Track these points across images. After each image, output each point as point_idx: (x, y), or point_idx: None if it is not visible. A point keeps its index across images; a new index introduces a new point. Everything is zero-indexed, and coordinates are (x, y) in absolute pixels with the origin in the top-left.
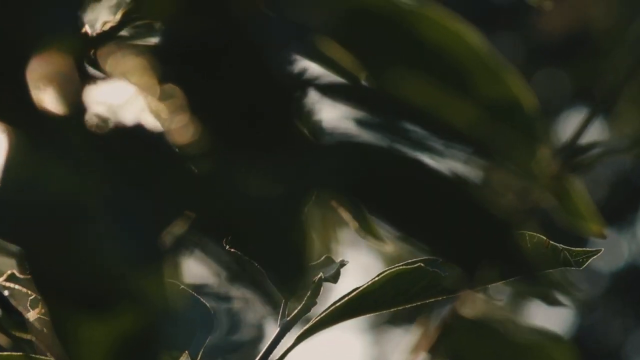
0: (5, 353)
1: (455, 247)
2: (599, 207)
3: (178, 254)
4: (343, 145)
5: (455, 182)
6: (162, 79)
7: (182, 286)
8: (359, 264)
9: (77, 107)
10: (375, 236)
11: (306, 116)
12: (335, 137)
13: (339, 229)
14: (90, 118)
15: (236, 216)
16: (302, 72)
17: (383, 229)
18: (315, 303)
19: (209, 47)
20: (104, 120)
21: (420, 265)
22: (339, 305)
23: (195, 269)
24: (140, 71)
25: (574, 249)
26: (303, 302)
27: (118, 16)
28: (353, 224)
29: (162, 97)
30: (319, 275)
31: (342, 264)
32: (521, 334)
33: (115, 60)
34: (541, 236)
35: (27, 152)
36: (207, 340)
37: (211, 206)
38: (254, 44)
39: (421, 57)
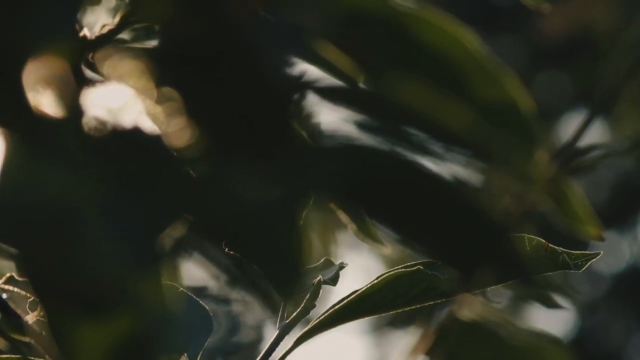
0: (4, 356)
1: (452, 250)
2: (600, 209)
3: (176, 256)
4: (341, 148)
5: (453, 185)
6: (160, 82)
7: (181, 289)
8: (359, 266)
9: (74, 110)
10: (374, 239)
11: (304, 119)
12: (333, 140)
13: (339, 232)
14: (87, 121)
15: (233, 219)
16: (300, 75)
17: (381, 231)
18: (314, 305)
19: (207, 50)
20: (101, 123)
21: (419, 268)
22: (338, 308)
23: (194, 272)
24: (137, 74)
25: (573, 252)
26: (302, 305)
27: (116, 19)
28: (351, 226)
29: (160, 100)
30: (318, 278)
31: (341, 266)
32: (519, 337)
33: (113, 63)
34: (540, 239)
35: (24, 155)
36: (206, 343)
37: (208, 209)
38: (251, 47)
39: (419, 60)
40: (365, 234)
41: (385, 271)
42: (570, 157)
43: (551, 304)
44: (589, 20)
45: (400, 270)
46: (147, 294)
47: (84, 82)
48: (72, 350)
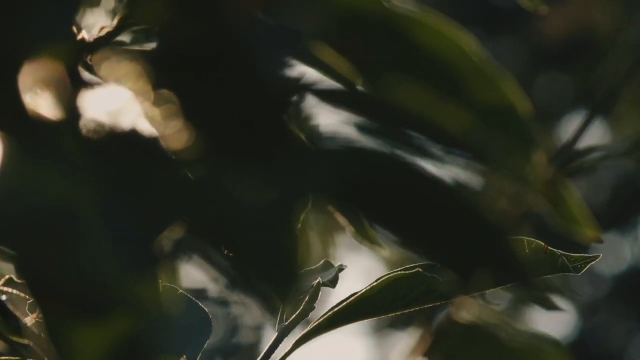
0: (3, 358)
1: (450, 252)
2: (601, 211)
3: (175, 259)
4: (339, 150)
5: (451, 187)
6: (158, 84)
7: (181, 291)
8: (361, 268)
9: (71, 113)
10: (372, 241)
11: (303, 121)
12: (331, 143)
13: (340, 233)
14: (85, 123)
15: (230, 221)
16: (299, 78)
17: (380, 233)
18: (313, 308)
19: (205, 52)
20: (99, 125)
21: (418, 271)
22: (337, 311)
23: (194, 274)
24: (135, 76)
25: (573, 254)
26: (301, 307)
27: (113, 22)
28: (350, 229)
29: (158, 103)
30: (318, 280)
31: (341, 268)
32: (517, 339)
33: (111, 65)
34: (540, 242)
35: (21, 158)
36: (205, 345)
37: (205, 212)
38: (249, 49)
39: (417, 63)
40: (364, 236)
41: (385, 274)
42: (569, 159)
43: (550, 306)
44: (589, 21)
45: (399, 272)
46: (144, 297)
47: (82, 85)
48: (70, 353)
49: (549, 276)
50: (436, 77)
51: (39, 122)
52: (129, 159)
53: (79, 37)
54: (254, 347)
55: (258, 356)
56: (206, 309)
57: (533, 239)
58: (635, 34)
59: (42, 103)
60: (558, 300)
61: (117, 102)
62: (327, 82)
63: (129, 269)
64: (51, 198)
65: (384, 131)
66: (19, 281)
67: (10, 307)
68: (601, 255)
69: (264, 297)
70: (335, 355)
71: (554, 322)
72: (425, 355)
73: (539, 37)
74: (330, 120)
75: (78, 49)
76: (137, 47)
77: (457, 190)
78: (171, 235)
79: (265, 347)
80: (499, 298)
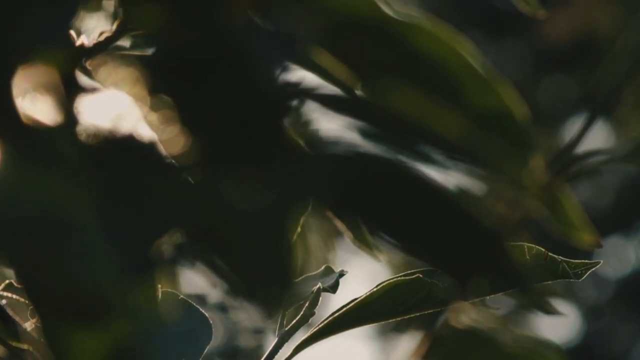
0: None
1: (447, 258)
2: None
3: (175, 264)
4: (335, 156)
5: (448, 192)
6: (155, 89)
7: (181, 296)
8: (366, 271)
9: (69, 118)
10: (370, 246)
11: (301, 126)
12: (327, 148)
13: (344, 237)
14: (81, 128)
15: (225, 227)
16: (296, 83)
17: (378, 238)
18: (313, 313)
19: (202, 57)
20: (95, 130)
21: (418, 277)
22: (337, 316)
23: (195, 279)
24: (133, 81)
25: (573, 260)
26: (301, 312)
27: (110, 27)
28: (348, 234)
29: (155, 108)
30: (318, 286)
31: (342, 274)
32: (516, 344)
33: (107, 70)
34: (540, 248)
35: (18, 163)
36: (205, 350)
37: (201, 217)
38: (246, 54)
39: (414, 68)
40: (362, 241)
41: (385, 279)
42: (568, 162)
43: (551, 311)
44: (593, 24)
45: (399, 278)
46: (142, 302)
47: (78, 90)
48: (67, 358)
49: (551, 281)
50: (433, 81)
51: (36, 127)
52: (126, 163)
53: (78, 41)
54: (254, 352)
55: None
56: (206, 314)
57: (533, 245)
58: (636, 35)
59: (39, 108)
60: (559, 305)
61: (114, 107)
62: (326, 87)
63: (127, 275)
64: (48, 203)
65: (382, 136)
66: (18, 286)
67: (10, 311)
68: (602, 261)
69: (261, 303)
70: (340, 359)
71: (558, 325)
72: (423, 359)
73: (542, 39)
74: (328, 125)
75: (76, 53)
76: (135, 52)
77: (455, 195)
78: (171, 241)
79: (265, 353)
80: (501, 303)
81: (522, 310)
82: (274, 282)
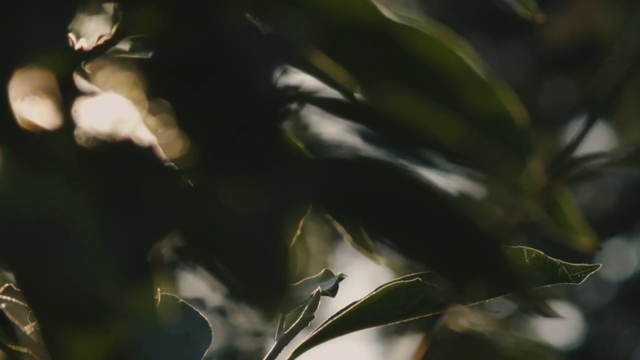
0: None
1: (445, 261)
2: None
3: (174, 267)
4: (334, 159)
5: (446, 195)
6: (152, 93)
7: (180, 299)
8: (367, 273)
9: (66, 122)
10: (369, 249)
11: (300, 130)
12: (327, 151)
13: (345, 240)
14: (79, 132)
15: (222, 230)
16: (296, 87)
17: (377, 241)
18: (313, 317)
19: (199, 61)
20: (93, 134)
21: (417, 280)
22: (337, 319)
23: (194, 283)
24: (130, 85)
25: (572, 264)
26: (301, 316)
27: (109, 31)
28: (347, 237)
29: (152, 111)
30: (317, 289)
31: (341, 277)
32: (514, 347)
33: (106, 74)
34: (539, 251)
35: (16, 167)
36: (204, 354)
37: (199, 220)
38: (244, 58)
39: (413, 71)
40: (361, 244)
41: (385, 282)
42: (568, 165)
43: (550, 314)
44: (593, 26)
45: (398, 282)
46: (140, 306)
47: (76, 93)
48: None
49: (551, 285)
50: (433, 85)
51: (34, 131)
52: (124, 167)
53: (76, 45)
54: (254, 355)
55: None
56: (205, 318)
57: (533, 248)
58: (638, 38)
59: (37, 111)
60: (560, 308)
61: (113, 110)
62: (325, 91)
63: (125, 278)
64: (46, 207)
65: (381, 139)
66: (17, 289)
67: (9, 315)
68: (602, 264)
69: (260, 306)
70: None
71: (560, 328)
72: None
73: (542, 42)
74: (327, 128)
75: (74, 56)
76: (133, 56)
77: (454, 198)
78: (170, 244)
79: (264, 356)
80: (501, 306)
81: (523, 314)
82: (273, 286)
